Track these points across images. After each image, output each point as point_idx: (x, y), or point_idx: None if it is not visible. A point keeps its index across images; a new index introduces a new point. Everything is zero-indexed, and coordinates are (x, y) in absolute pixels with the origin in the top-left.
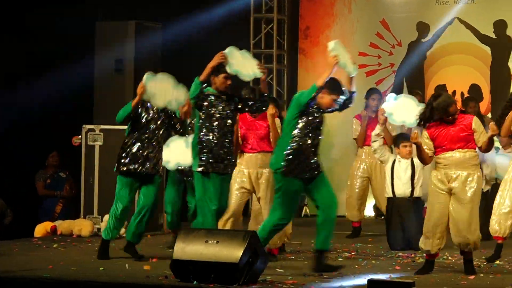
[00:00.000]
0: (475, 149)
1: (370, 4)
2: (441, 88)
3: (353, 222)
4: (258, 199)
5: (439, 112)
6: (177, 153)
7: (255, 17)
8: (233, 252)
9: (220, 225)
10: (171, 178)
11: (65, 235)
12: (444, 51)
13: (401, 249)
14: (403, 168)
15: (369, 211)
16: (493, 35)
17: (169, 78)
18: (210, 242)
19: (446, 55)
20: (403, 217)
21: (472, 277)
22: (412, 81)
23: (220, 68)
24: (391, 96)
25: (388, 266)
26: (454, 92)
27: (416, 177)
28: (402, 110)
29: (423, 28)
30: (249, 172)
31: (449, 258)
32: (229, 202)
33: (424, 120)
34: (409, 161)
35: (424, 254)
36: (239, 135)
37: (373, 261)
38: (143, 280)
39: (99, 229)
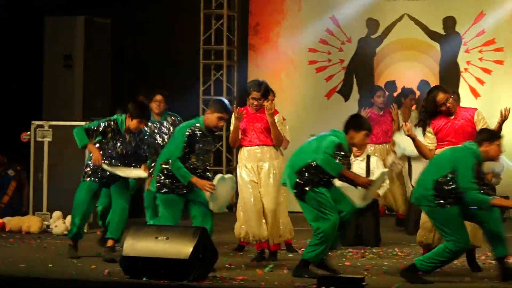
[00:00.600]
0: None
1: (319, 0)
2: (391, 84)
3: None
4: (259, 192)
5: (429, 105)
6: None
7: (205, 13)
8: (183, 248)
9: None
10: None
11: (14, 232)
12: (394, 48)
13: (352, 245)
14: (358, 166)
15: None
16: (442, 32)
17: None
18: (160, 238)
19: (396, 51)
20: (358, 214)
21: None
22: (362, 77)
23: None
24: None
25: (338, 262)
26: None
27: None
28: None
29: (372, 24)
30: (251, 166)
31: (399, 253)
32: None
33: (423, 120)
34: (364, 159)
35: (422, 250)
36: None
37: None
38: (92, 276)
39: (48, 226)
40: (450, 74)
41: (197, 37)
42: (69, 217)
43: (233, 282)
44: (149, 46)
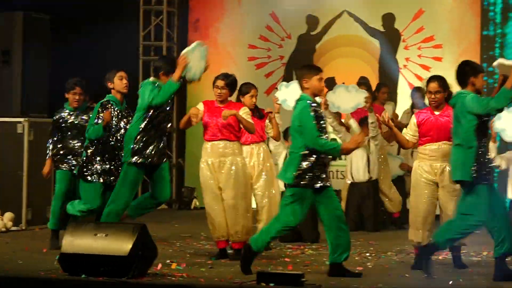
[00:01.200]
0: None
1: None
2: (330, 81)
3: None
4: (219, 188)
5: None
6: None
7: (144, 8)
8: (123, 245)
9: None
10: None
11: None
12: (333, 44)
13: (291, 241)
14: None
15: None
16: (381, 28)
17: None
18: (99, 235)
19: (335, 47)
20: None
21: (361, 268)
22: None
23: None
24: (282, 84)
25: (277, 258)
26: None
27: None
28: (296, 95)
29: (312, 21)
30: (212, 162)
31: None
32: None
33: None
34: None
35: (414, 248)
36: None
37: (263, 253)
38: (32, 274)
39: None
40: (389, 71)
41: (137, 33)
42: (7, 214)
43: (173, 278)
44: (88, 42)
